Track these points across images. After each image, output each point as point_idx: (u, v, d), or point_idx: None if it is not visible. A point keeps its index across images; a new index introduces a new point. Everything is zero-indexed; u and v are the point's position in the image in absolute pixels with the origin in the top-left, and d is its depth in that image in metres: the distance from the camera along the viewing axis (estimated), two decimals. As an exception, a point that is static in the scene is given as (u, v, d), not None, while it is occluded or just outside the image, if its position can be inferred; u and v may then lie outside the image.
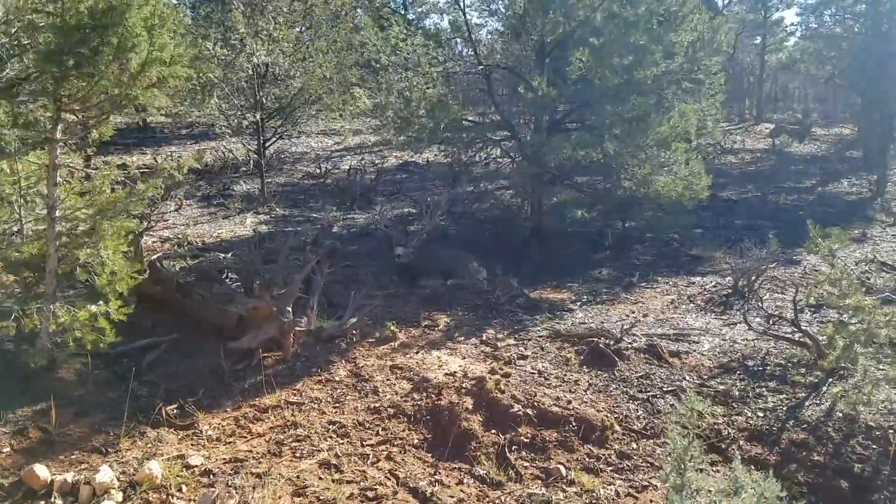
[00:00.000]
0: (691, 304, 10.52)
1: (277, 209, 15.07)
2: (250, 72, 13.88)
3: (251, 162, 16.73)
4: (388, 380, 7.80)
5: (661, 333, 9.05)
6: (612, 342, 8.40)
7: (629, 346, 8.46)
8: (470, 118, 13.44)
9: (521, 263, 12.35)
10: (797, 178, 20.87)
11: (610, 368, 8.08)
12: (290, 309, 8.25)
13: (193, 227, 13.82)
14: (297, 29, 15.72)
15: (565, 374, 7.95)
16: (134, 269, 7.30)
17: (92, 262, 7.14)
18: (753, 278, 10.93)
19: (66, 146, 7.17)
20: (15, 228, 7.22)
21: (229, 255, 11.73)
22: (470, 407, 7.17)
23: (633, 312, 10.06)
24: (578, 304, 10.44)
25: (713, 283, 11.46)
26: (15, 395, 6.96)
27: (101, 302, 7.08)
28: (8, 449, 6.39)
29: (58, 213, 7.08)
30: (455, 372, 7.81)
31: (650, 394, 7.65)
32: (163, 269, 9.11)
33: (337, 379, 7.82)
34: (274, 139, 18.30)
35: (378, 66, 12.63)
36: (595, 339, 8.47)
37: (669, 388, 7.76)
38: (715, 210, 16.62)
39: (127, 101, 7.06)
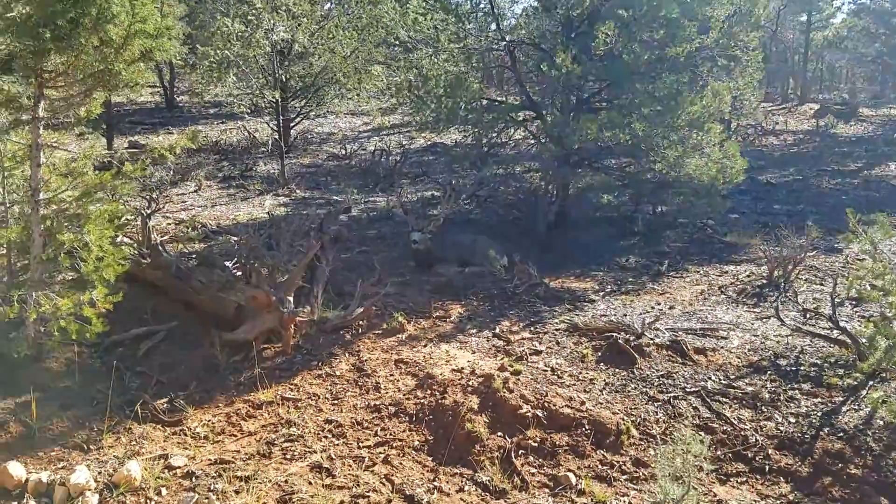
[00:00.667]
0: (722, 296, 9.76)
1: (297, 191, 14.61)
2: (268, 49, 13.36)
3: (270, 143, 16.25)
4: (391, 375, 7.26)
5: (687, 328, 8.35)
6: (632, 337, 7.73)
7: (651, 341, 7.78)
8: (491, 97, 12.74)
9: (544, 250, 11.70)
10: (842, 161, 19.69)
11: (629, 366, 7.42)
12: (290, 298, 7.75)
13: (211, 208, 13.44)
14: (319, 4, 15.12)
15: (580, 372, 7.31)
16: (121, 255, 6.86)
17: (77, 248, 6.72)
18: (790, 268, 10.12)
19: (49, 125, 6.73)
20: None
21: (245, 236, 11.29)
22: (475, 407, 6.59)
23: (659, 304, 9.36)
24: (601, 294, 9.77)
25: (747, 273, 10.66)
26: (-1, 385, 6.60)
27: (88, 290, 6.67)
28: (-15, 444, 6.02)
29: (42, 196, 6.66)
30: (463, 368, 7.24)
31: (671, 395, 6.99)
32: (164, 254, 8.67)
33: (338, 373, 7.31)
34: (298, 119, 17.89)
35: (397, 42, 12.00)
36: (614, 334, 7.80)
37: (693, 389, 7.08)
38: (753, 194, 15.68)
39: (111, 77, 6.57)
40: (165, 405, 6.77)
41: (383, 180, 15.48)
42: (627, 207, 13.29)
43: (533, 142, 12.80)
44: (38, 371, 6.91)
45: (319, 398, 6.92)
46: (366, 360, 7.53)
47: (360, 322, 8.22)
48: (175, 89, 22.29)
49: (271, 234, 9.66)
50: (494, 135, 12.62)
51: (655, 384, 7.15)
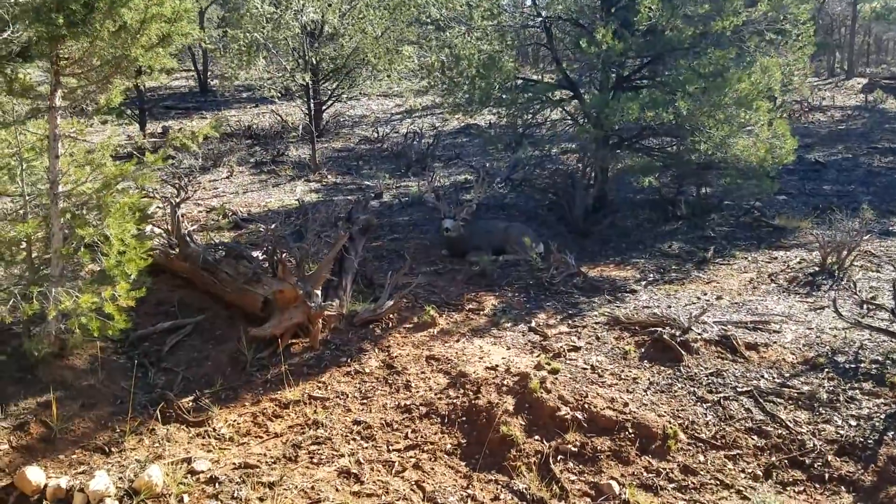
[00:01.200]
0: (772, 284, 9.17)
1: (329, 176, 14.27)
2: (297, 30, 12.95)
3: (300, 127, 15.91)
4: (422, 373, 6.88)
5: (737, 321, 7.80)
6: (678, 332, 7.22)
7: (698, 336, 7.26)
8: (527, 77, 12.18)
9: (582, 235, 11.20)
10: (892, 138, 18.67)
11: (675, 364, 6.93)
12: (318, 292, 7.41)
13: (242, 195, 13.17)
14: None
15: (623, 370, 6.85)
16: (144, 248, 6.56)
17: (99, 242, 6.44)
18: (844, 254, 9.46)
19: (67, 114, 6.43)
20: (20, 204, 6.58)
21: (271, 227, 10.99)
22: (511, 408, 6.18)
23: (705, 294, 8.80)
24: (643, 283, 9.24)
25: (798, 259, 10.02)
26: (20, 384, 6.38)
27: (110, 285, 6.39)
28: (6, 446, 5.81)
29: (61, 189, 6.38)
30: (497, 365, 6.83)
31: (721, 395, 6.49)
32: (191, 244, 8.39)
33: (367, 371, 6.96)
34: (330, 102, 17.53)
35: (429, 20, 11.50)
36: (659, 329, 7.31)
37: (744, 389, 6.57)
38: (801, 173, 14.89)
39: (128, 64, 6.22)
40: (191, 404, 6.50)
41: (415, 164, 15.06)
42: (669, 190, 12.66)
43: (570, 123, 12.20)
44: (61, 369, 6.68)
45: (348, 397, 6.58)
46: (396, 357, 7.16)
47: (391, 315, 7.84)
48: (210, 73, 22.07)
49: (299, 225, 9.30)
50: (530, 116, 12.05)
51: (704, 383, 6.65)
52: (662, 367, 6.89)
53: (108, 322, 6.34)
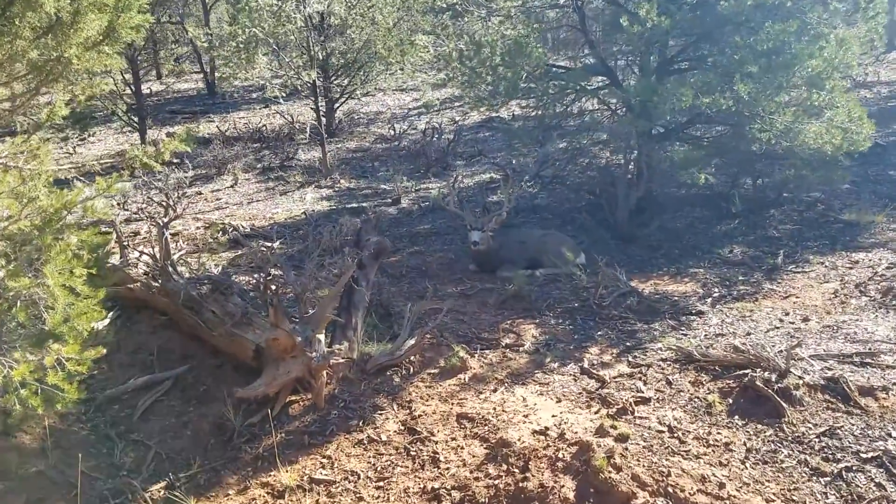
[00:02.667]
0: (863, 298, 7.48)
1: (342, 181, 12.73)
2: (300, 23, 11.39)
3: (308, 128, 14.38)
4: (453, 439, 5.33)
5: (838, 353, 6.15)
6: (773, 375, 5.58)
7: (799, 380, 5.59)
8: (557, 64, 10.51)
9: (626, 240, 9.55)
10: (951, 113, 16.69)
11: (775, 420, 5.29)
12: (321, 337, 5.88)
13: (247, 206, 11.71)
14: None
15: (710, 432, 5.22)
16: (98, 298, 5.06)
17: (40, 294, 4.95)
18: (945, 256, 7.74)
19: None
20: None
21: (277, 244, 9.50)
22: (572, 496, 4.59)
23: (787, 315, 7.14)
24: (709, 301, 7.60)
25: (887, 263, 8.29)
26: (-51, 477, 4.95)
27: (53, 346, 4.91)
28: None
29: (-13, 230, 4.88)
30: (547, 428, 5.25)
31: (842, 464, 4.85)
32: (173, 276, 6.90)
33: (384, 437, 5.42)
34: (343, 100, 15.99)
35: (445, 5, 9.88)
36: (748, 371, 5.67)
37: (870, 454, 4.93)
38: (860, 157, 12.98)
39: (63, 67, 4.70)
40: (161, 494, 5.01)
41: (435, 163, 13.46)
42: (722, 184, 10.94)
43: (608, 113, 10.52)
44: (4, 451, 5.22)
45: (360, 478, 5.04)
46: (419, 416, 5.61)
47: (412, 359, 6.30)
48: (218, 74, 20.62)
49: (306, 243, 7.78)
50: (562, 107, 10.39)
51: (816, 448, 5.02)
52: (760, 426, 5.25)
53: (59, 393, 4.87)
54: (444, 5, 10.59)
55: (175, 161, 12.92)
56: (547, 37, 11.05)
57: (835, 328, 6.74)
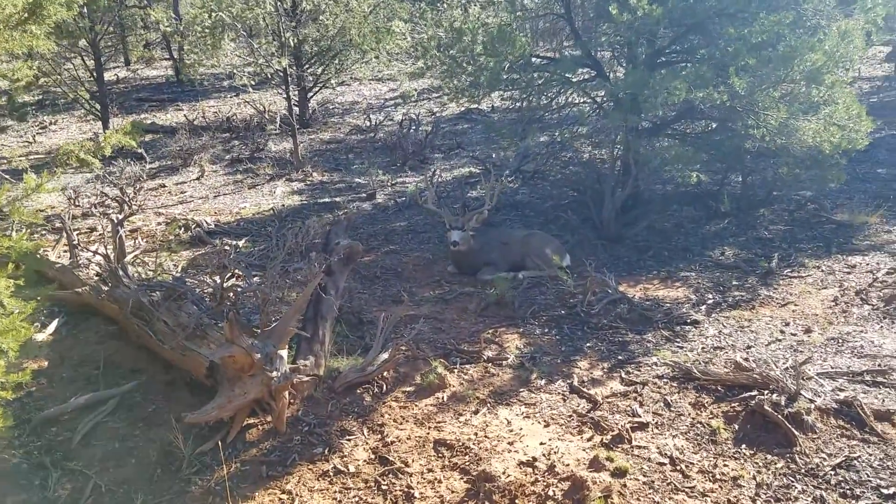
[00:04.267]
0: (865, 306, 6.98)
1: (314, 174, 12.02)
2: (271, 8, 10.61)
3: (279, 118, 13.61)
4: (429, 470, 4.70)
5: (848, 371, 5.61)
6: (782, 397, 5.01)
7: (810, 403, 5.04)
8: (542, 55, 9.88)
9: (615, 241, 8.96)
10: (931, 111, 16.38)
11: (786, 450, 4.73)
12: (284, 353, 5.20)
13: (213, 199, 10.94)
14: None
15: (715, 464, 4.64)
16: (26, 313, 4.35)
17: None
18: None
19: None
20: None
21: (242, 242, 8.78)
22: (563, 543, 3.99)
23: (788, 325, 6.61)
24: (704, 308, 7.06)
25: (886, 268, 7.81)
26: None
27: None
28: None
29: None
30: (535, 459, 4.65)
31: (862, 501, 4.31)
32: (123, 280, 6.17)
33: (352, 469, 4.76)
34: (316, 89, 15.23)
35: (423, -10, 9.20)
36: (754, 393, 5.11)
37: (892, 489, 4.39)
38: (846, 155, 12.59)
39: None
40: (96, 537, 4.33)
41: (412, 156, 12.80)
42: (710, 181, 10.40)
43: (594, 107, 9.90)
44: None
45: (324, 517, 4.40)
46: (392, 442, 4.97)
47: (385, 375, 5.65)
48: (186, 61, 19.70)
49: (275, 239, 7.08)
50: (546, 100, 9.77)
51: (832, 482, 4.47)
52: (770, 457, 4.68)
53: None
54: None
55: (138, 151, 12.14)
56: (527, 27, 10.40)
57: (840, 341, 6.21)
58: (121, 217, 7.57)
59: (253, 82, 12.12)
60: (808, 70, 7.91)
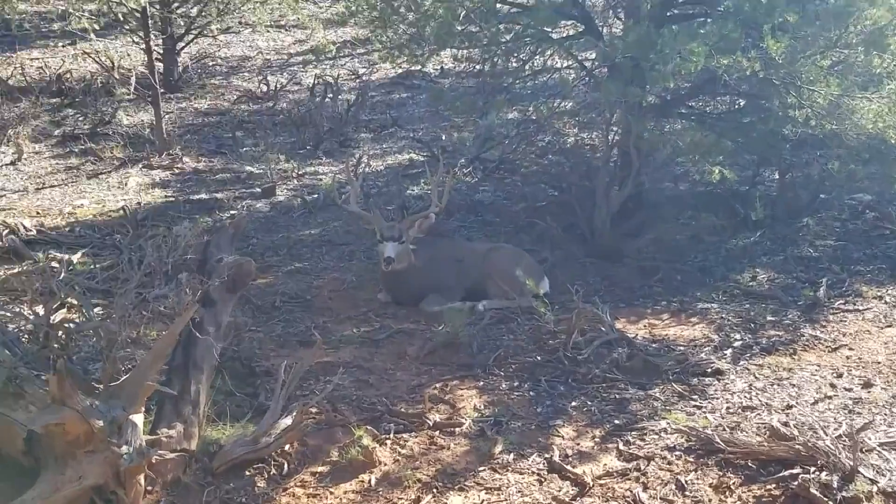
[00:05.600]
0: (944, 351, 7.37)
1: (186, 159, 12.38)
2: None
3: (134, 78, 13.78)
4: (350, 587, 4.70)
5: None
6: (833, 476, 5.21)
7: (872, 484, 5.23)
8: (512, 2, 10.17)
9: (609, 260, 9.32)
10: None
11: (839, 550, 4.91)
12: (139, 419, 5.15)
13: (35, 192, 11.32)
14: None
15: (747, 574, 4.78)
16: None
17: None
18: None
19: None
20: None
21: (77, 257, 8.75)
22: None
23: (841, 377, 6.94)
24: (729, 353, 7.36)
25: (969, 300, 8.27)
26: None
27: None
28: None
29: None
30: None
31: None
32: None
33: None
34: (191, 38, 15.54)
35: None
36: (797, 472, 5.31)
37: None
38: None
39: None
40: None
41: (329, 136, 13.27)
42: (737, 179, 10.76)
43: (583, 74, 10.25)
44: None
45: None
46: (297, 550, 4.96)
47: (287, 449, 5.68)
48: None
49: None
50: (516, 64, 10.07)
51: None
52: (820, 562, 4.85)
53: None
54: None
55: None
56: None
57: (907, 397, 6.55)
58: None
59: (97, 26, 12.26)
60: (868, 31, 8.35)
